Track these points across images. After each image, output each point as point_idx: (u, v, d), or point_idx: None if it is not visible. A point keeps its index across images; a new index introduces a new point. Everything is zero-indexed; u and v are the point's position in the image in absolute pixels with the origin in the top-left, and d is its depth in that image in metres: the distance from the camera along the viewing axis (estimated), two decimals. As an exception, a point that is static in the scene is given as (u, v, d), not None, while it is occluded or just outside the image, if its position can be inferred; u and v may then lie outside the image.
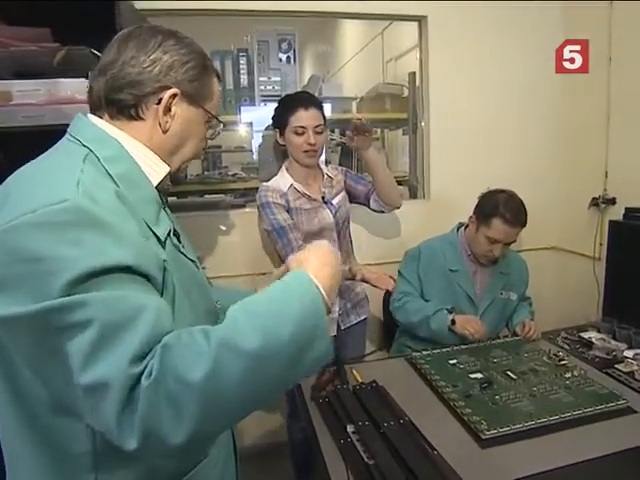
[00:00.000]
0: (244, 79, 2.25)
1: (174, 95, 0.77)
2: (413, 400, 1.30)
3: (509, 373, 1.42)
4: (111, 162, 0.71)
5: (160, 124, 0.77)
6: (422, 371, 1.47)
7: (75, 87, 1.50)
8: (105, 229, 0.61)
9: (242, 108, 2.32)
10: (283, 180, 1.73)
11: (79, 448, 0.68)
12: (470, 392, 1.32)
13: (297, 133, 1.66)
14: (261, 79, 2.27)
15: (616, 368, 1.48)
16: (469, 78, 2.34)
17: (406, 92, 2.57)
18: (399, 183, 2.95)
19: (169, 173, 0.82)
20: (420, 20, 2.33)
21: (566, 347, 1.66)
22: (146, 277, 0.65)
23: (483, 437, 1.13)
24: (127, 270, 0.62)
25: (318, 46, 4.64)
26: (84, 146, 0.72)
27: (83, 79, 1.50)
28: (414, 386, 1.41)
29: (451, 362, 1.51)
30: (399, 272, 1.92)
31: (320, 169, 1.81)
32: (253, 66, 2.27)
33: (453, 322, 1.69)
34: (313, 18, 2.42)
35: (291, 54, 2.25)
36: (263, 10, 2.11)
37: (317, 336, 0.64)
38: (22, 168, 0.71)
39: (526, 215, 1.70)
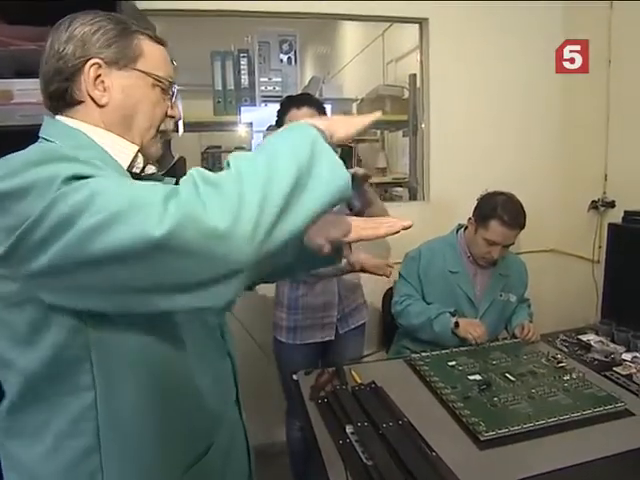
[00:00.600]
0: (245, 79, 2.26)
1: (97, 65, 0.74)
2: (412, 401, 1.30)
3: (508, 375, 1.42)
4: (78, 149, 0.70)
5: (94, 99, 0.75)
6: (421, 373, 1.47)
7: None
8: (69, 159, 0.62)
9: (242, 108, 2.32)
10: None
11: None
12: (469, 394, 1.32)
13: None
14: (262, 80, 2.27)
15: (614, 371, 1.48)
16: (469, 81, 2.35)
17: (407, 94, 2.57)
18: (399, 185, 2.98)
19: (138, 152, 0.80)
20: (421, 22, 2.33)
21: (565, 349, 1.66)
22: None
23: (482, 438, 1.13)
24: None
25: (318, 47, 4.65)
26: (49, 142, 0.72)
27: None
28: (413, 387, 1.42)
29: (450, 364, 1.51)
30: (400, 274, 1.92)
31: None
32: (254, 67, 2.27)
33: (456, 325, 1.69)
34: (313, 19, 2.43)
35: (292, 55, 2.26)
36: (264, 11, 2.12)
37: (318, 151, 0.63)
38: None
39: (524, 217, 1.71)
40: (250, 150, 2.95)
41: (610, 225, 2.05)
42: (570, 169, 2.46)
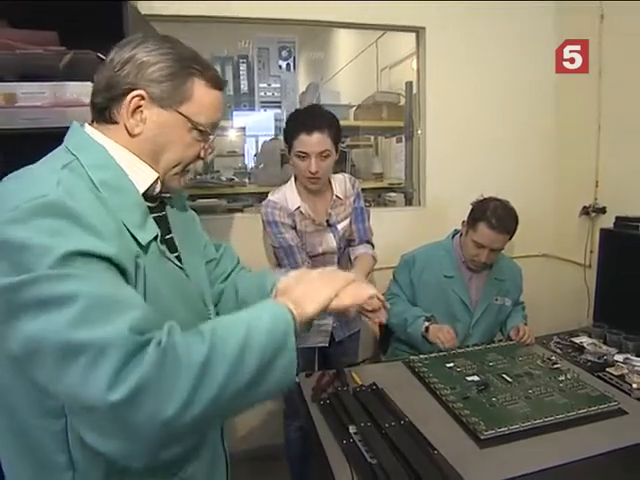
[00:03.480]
0: (244, 85, 2.28)
1: (140, 97, 0.75)
2: (412, 402, 1.33)
3: (505, 376, 1.45)
4: (95, 169, 0.73)
5: (127, 127, 0.76)
6: (420, 374, 1.50)
7: (81, 90, 1.51)
8: (83, 223, 0.64)
9: (240, 113, 2.35)
10: (291, 196, 1.65)
11: (55, 446, 0.70)
12: (468, 394, 1.35)
13: (300, 157, 1.56)
14: (261, 85, 2.30)
15: (607, 371, 1.52)
16: (465, 88, 2.40)
17: (403, 101, 2.61)
18: (393, 190, 3.01)
19: (157, 180, 0.81)
20: (418, 31, 2.38)
21: (559, 351, 1.70)
22: (123, 271, 0.68)
23: (482, 437, 1.16)
24: (105, 260, 0.64)
25: (311, 53, 4.68)
26: (72, 154, 0.74)
27: (89, 82, 1.52)
28: (413, 388, 1.44)
29: (448, 365, 1.54)
30: (393, 275, 1.96)
31: (331, 187, 1.71)
32: (253, 72, 2.30)
33: (427, 330, 1.73)
34: (307, 26, 2.46)
35: (291, 61, 2.29)
36: (262, 18, 2.14)
37: (283, 350, 0.68)
38: (14, 172, 0.73)
39: (515, 224, 1.74)
40: (242, 155, 3.00)
41: (602, 230, 2.10)
42: (563, 176, 2.52)
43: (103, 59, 1.64)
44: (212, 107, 0.81)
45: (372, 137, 3.51)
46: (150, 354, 0.58)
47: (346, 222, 1.75)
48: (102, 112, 0.77)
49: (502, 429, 1.18)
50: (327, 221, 1.69)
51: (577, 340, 1.75)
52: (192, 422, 0.60)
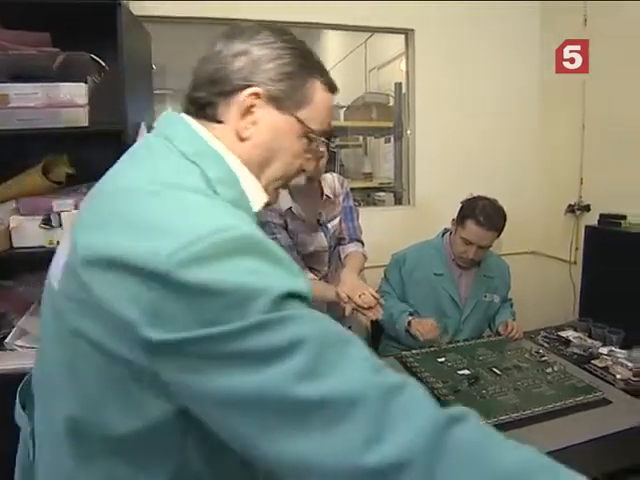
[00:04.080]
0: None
1: (256, 95, 0.64)
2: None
3: (494, 369, 1.49)
4: (222, 185, 0.59)
5: (237, 129, 0.65)
6: (413, 369, 1.53)
7: (74, 91, 1.52)
8: (276, 259, 0.52)
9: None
10: (282, 197, 1.62)
11: None
12: (459, 387, 1.38)
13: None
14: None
15: (592, 363, 1.57)
16: (454, 89, 2.44)
17: (392, 101, 2.65)
18: (382, 190, 3.05)
19: (266, 204, 0.69)
20: (407, 33, 2.42)
21: (546, 345, 1.74)
22: None
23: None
24: (305, 300, 0.52)
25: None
26: (193, 162, 0.59)
27: (82, 83, 1.54)
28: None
29: (439, 360, 1.58)
30: (385, 273, 2.00)
31: (320, 187, 1.70)
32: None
33: (410, 324, 1.76)
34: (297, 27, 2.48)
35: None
36: (252, 19, 2.13)
37: None
38: (116, 178, 0.61)
39: (503, 221, 1.78)
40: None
41: (587, 227, 2.15)
42: (549, 175, 2.58)
43: (96, 60, 1.67)
44: (327, 112, 0.72)
45: (361, 137, 3.55)
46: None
47: (336, 221, 1.77)
48: (203, 107, 0.66)
49: (492, 419, 1.21)
50: (318, 220, 1.72)
51: (563, 334, 1.80)
52: None
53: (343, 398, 0.45)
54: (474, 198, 1.85)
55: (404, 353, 1.65)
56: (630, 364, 1.52)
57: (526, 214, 2.53)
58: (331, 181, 1.77)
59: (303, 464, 0.45)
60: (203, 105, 0.66)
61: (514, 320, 1.91)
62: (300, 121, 0.67)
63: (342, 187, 1.80)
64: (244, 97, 0.64)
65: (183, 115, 0.66)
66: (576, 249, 2.35)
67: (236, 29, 0.67)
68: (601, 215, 2.10)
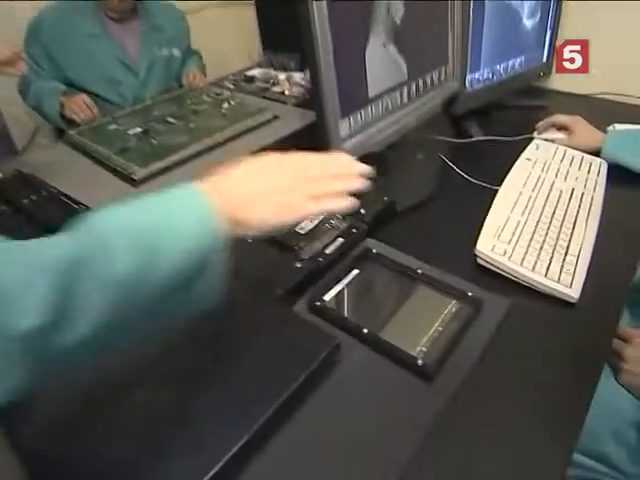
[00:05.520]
0: None
1: None
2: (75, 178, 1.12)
3: (168, 119, 1.34)
4: None
5: None
6: (85, 149, 1.27)
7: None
8: None
9: None
10: None
11: None
12: (126, 146, 1.20)
13: None
14: None
15: (272, 91, 1.55)
16: None
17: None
18: None
19: None
20: None
21: (231, 87, 1.65)
22: None
23: (135, 177, 1.06)
24: None
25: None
26: None
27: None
28: (82, 167, 1.21)
29: (111, 128, 1.35)
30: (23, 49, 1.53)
31: None
32: None
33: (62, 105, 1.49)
34: None
35: None
36: None
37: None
38: None
39: None
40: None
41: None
42: None
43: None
44: None
45: None
46: None
47: None
48: None
49: (157, 164, 1.09)
50: None
51: (249, 73, 1.72)
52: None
53: None
54: None
55: (70, 133, 1.35)
56: (304, 82, 1.54)
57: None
58: None
59: None
60: None
61: (202, 73, 1.74)
62: None
63: None
64: None
65: None
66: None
67: None
68: None
